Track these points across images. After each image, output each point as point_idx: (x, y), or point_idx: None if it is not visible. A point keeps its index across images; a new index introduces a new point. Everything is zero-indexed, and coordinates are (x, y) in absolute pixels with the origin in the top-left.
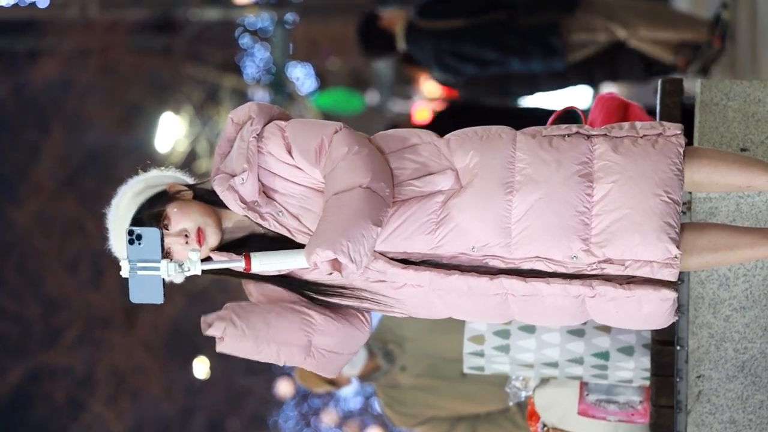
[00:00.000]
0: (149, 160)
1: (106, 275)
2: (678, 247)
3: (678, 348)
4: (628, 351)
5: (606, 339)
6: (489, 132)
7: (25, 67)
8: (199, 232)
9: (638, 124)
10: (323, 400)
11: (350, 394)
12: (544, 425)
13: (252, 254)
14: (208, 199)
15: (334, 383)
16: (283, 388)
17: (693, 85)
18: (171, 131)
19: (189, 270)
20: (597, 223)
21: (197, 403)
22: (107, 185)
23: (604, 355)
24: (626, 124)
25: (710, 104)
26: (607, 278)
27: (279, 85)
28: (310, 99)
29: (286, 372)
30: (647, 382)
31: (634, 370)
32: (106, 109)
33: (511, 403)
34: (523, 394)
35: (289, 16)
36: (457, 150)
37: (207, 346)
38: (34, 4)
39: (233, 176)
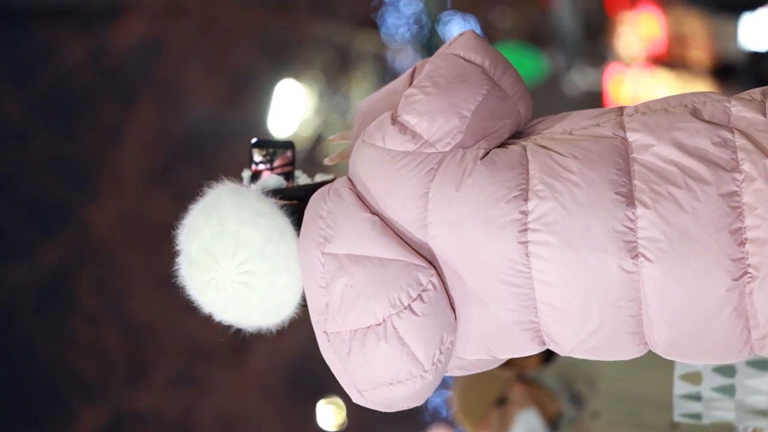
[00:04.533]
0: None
1: None
2: None
3: None
4: None
5: None
6: None
7: (105, 27)
8: None
9: None
10: None
11: None
12: None
13: None
14: None
15: (505, 425)
16: None
17: None
18: (290, 107)
19: None
20: None
21: None
22: (209, 177)
23: None
24: None
25: None
26: None
27: (432, 46)
28: None
29: (440, 417)
30: None
31: None
32: (206, 79)
33: None
34: None
35: None
36: None
37: (338, 387)
38: None
39: None
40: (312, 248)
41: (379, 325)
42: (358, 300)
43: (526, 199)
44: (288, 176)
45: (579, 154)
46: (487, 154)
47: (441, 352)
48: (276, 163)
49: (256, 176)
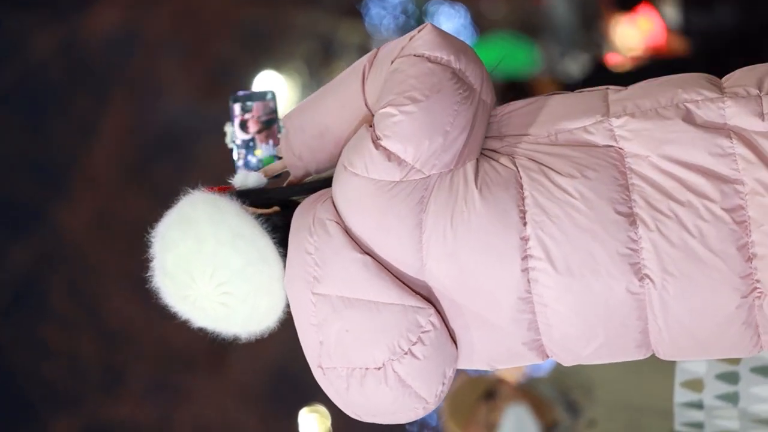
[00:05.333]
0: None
1: None
2: None
3: None
4: None
5: None
6: None
7: (77, 16)
8: None
9: None
10: None
11: None
12: None
13: None
14: None
15: (494, 419)
16: None
17: None
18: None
19: None
20: None
21: None
22: (187, 175)
23: None
24: None
25: None
26: None
27: None
28: None
29: (429, 427)
30: None
31: None
32: (183, 71)
33: None
34: None
35: None
36: None
37: (322, 395)
38: None
39: None
40: (301, 287)
41: (379, 369)
42: (355, 344)
43: (525, 224)
44: (271, 123)
45: (575, 171)
46: (476, 174)
47: (443, 385)
48: (259, 113)
49: (243, 125)
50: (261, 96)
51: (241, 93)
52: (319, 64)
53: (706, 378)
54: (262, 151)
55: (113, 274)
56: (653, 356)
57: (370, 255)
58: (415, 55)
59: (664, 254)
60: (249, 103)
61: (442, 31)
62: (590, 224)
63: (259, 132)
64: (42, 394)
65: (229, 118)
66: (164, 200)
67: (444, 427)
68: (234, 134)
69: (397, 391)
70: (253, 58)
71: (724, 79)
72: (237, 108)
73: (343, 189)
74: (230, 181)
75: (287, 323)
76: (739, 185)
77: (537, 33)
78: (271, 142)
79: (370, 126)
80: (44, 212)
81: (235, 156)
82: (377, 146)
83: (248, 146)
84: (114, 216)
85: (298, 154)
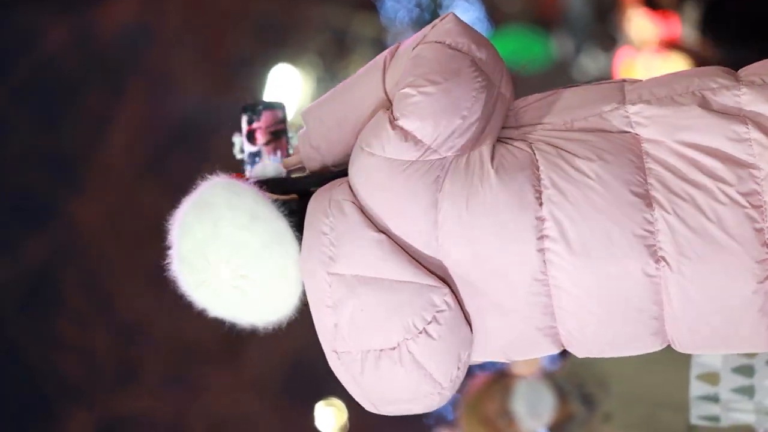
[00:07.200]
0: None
1: None
2: None
3: None
4: None
5: None
6: None
7: (91, 10)
8: None
9: None
10: None
11: None
12: None
13: None
14: None
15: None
16: None
17: None
18: (286, 93)
19: None
20: None
21: None
22: (201, 168)
23: None
24: None
25: None
26: None
27: None
28: None
29: (445, 421)
30: None
31: None
32: (198, 65)
33: None
34: None
35: None
36: None
37: (338, 387)
38: None
39: None
40: (317, 267)
41: (394, 349)
42: (370, 324)
43: (541, 204)
44: (279, 134)
45: (592, 154)
46: (492, 156)
47: (458, 369)
48: (267, 123)
49: (251, 136)
50: (270, 105)
51: (250, 102)
52: (333, 58)
53: (722, 371)
54: (269, 163)
55: (128, 267)
56: (669, 349)
57: (385, 234)
58: (436, 42)
59: (680, 237)
60: (258, 108)
61: (463, 21)
62: (607, 205)
63: (267, 143)
64: (56, 387)
65: (239, 126)
66: (179, 193)
67: (460, 422)
68: (241, 146)
69: (411, 373)
70: (268, 51)
71: (740, 70)
72: (245, 119)
73: (359, 169)
74: (248, 176)
75: (303, 316)
76: (755, 170)
77: (552, 26)
78: (279, 153)
79: (388, 109)
80: (59, 206)
81: (245, 167)
82: (394, 126)
83: (254, 161)
84: (129, 209)
85: (315, 146)
